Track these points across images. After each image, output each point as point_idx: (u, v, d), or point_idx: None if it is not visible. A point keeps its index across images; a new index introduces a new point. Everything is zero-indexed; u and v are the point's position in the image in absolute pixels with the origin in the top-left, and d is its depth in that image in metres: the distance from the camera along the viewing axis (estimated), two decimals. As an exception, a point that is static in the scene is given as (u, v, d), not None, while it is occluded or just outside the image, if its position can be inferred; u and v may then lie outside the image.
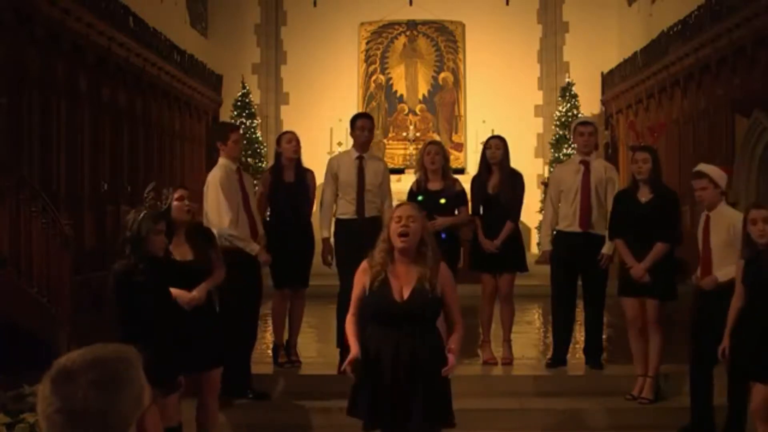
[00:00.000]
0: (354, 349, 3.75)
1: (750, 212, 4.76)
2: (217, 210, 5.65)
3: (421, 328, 3.76)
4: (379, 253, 3.80)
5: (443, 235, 6.05)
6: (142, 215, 4.18)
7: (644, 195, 5.78)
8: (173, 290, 4.54)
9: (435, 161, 6.28)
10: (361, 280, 3.85)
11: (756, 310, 4.64)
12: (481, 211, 6.49)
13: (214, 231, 5.39)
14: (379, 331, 3.76)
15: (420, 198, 6.15)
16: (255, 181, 8.28)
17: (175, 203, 4.76)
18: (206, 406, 4.88)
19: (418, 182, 6.41)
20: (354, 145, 6.52)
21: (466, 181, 6.66)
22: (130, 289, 4.13)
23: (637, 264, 5.70)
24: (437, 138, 13.86)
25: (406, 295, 3.73)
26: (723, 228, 5.22)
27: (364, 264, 3.87)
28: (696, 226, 5.65)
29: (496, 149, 6.42)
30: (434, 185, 6.30)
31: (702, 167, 5.45)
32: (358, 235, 6.12)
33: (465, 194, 6.44)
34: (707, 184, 5.27)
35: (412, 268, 3.77)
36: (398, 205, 3.99)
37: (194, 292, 4.69)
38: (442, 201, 6.22)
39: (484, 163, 6.51)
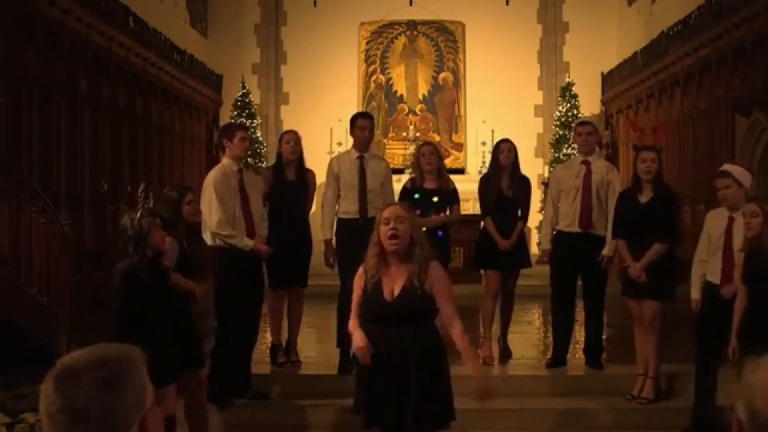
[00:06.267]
0: (358, 337, 3.76)
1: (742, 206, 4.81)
2: (209, 210, 5.71)
3: (414, 326, 3.77)
4: (371, 258, 3.84)
5: (439, 233, 6.26)
6: (139, 213, 4.36)
7: (645, 195, 5.77)
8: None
9: (431, 161, 6.49)
10: (359, 284, 3.89)
11: (758, 306, 4.63)
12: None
13: (209, 230, 5.67)
14: (374, 331, 3.79)
15: (417, 196, 6.36)
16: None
17: (187, 207, 4.96)
18: (196, 407, 4.89)
19: (413, 180, 6.61)
20: (354, 145, 6.52)
21: (466, 181, 6.72)
22: (136, 286, 4.28)
23: (634, 264, 5.71)
24: (437, 138, 13.89)
25: (396, 294, 3.76)
26: None
27: (360, 269, 3.92)
28: (695, 226, 5.63)
29: (509, 152, 6.57)
30: (429, 184, 6.49)
31: (726, 166, 5.39)
32: (360, 235, 6.10)
33: (457, 193, 6.60)
34: (731, 183, 5.17)
35: (403, 267, 3.79)
36: (386, 206, 3.99)
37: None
38: (435, 199, 6.39)
39: (497, 164, 6.61)
